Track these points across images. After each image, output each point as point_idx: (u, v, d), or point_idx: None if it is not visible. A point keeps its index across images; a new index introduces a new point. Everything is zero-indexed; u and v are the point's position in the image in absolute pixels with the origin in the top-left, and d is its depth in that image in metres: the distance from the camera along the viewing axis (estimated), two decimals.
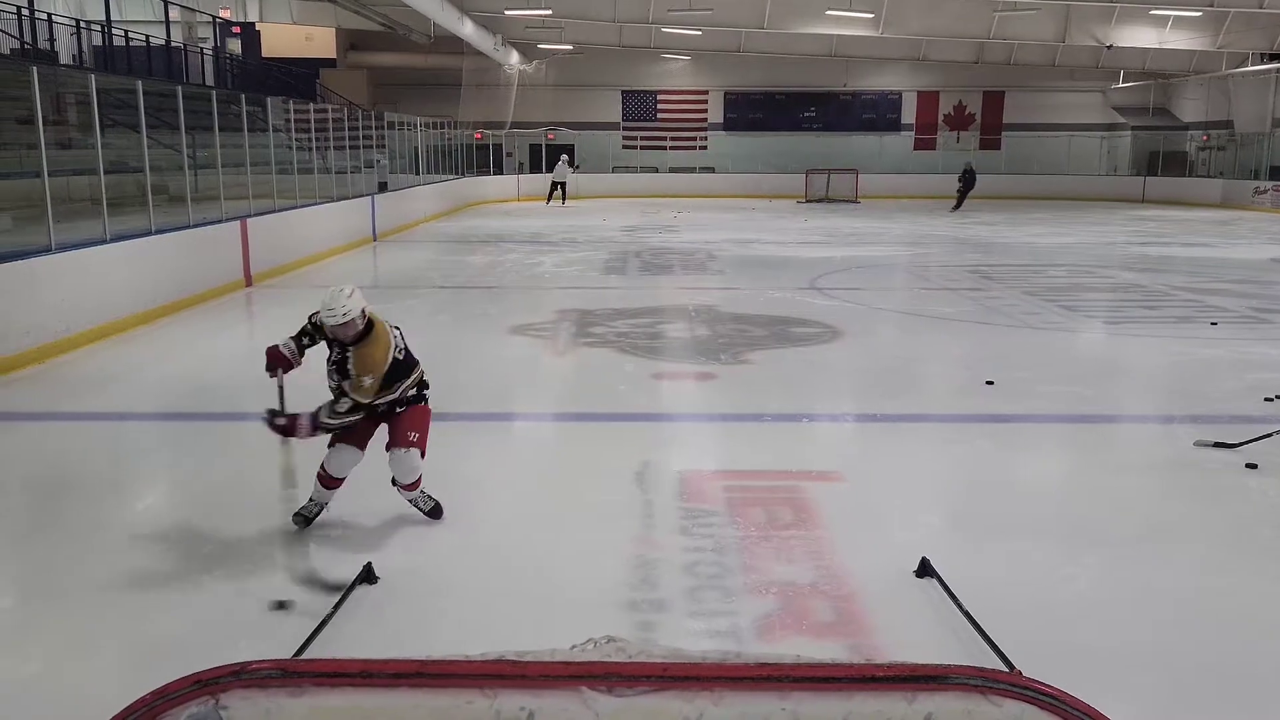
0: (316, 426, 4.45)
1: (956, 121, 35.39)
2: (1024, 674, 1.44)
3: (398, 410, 4.67)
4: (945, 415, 7.15)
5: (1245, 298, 12.30)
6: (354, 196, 17.90)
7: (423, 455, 4.68)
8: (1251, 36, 25.44)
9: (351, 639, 3.65)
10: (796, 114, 35.39)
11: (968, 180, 27.73)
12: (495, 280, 14.22)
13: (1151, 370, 8.69)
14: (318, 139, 17.42)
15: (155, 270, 10.22)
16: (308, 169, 16.57)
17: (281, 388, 4.59)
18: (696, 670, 1.37)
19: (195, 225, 11.28)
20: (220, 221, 11.97)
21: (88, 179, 10.01)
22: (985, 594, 3.92)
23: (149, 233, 10.20)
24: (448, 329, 10.26)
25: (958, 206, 27.50)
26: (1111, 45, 27.17)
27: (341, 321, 4.36)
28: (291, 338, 4.66)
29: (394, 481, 4.72)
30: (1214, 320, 10.50)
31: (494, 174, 31.73)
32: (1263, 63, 26.24)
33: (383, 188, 20.37)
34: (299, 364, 4.66)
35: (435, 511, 4.84)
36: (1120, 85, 33.43)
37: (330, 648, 3.53)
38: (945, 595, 3.94)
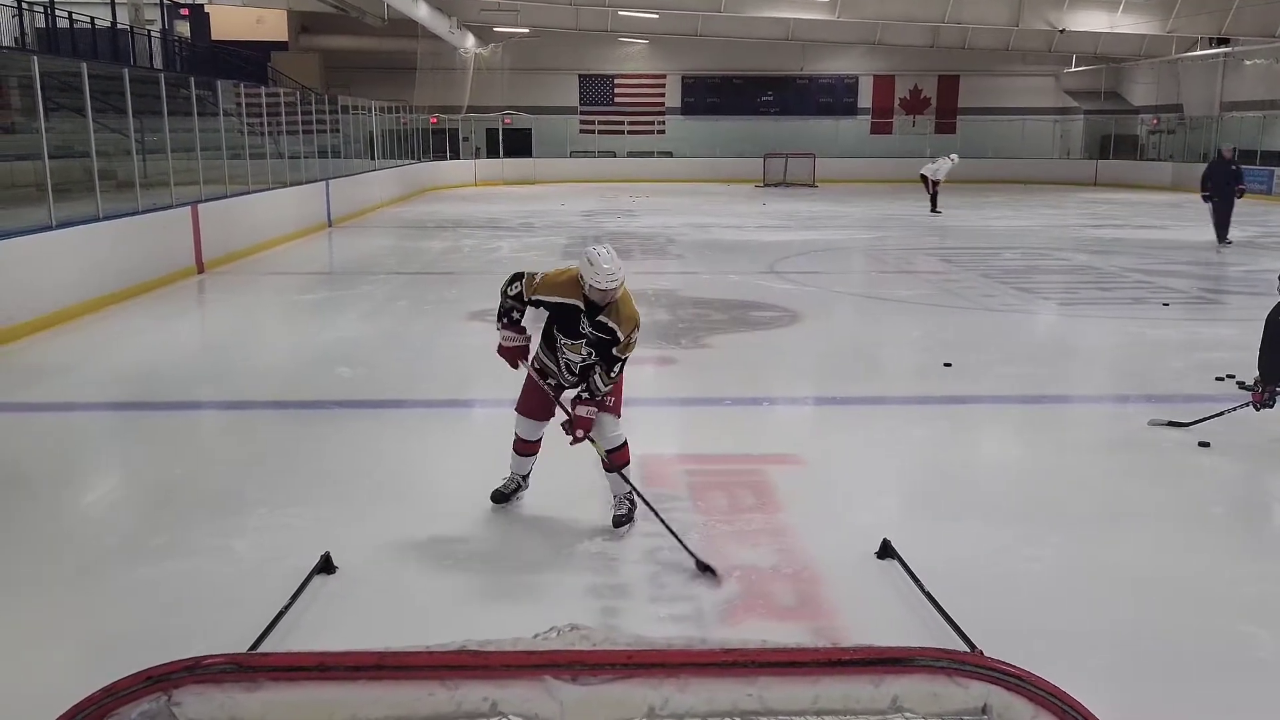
0: (600, 405, 4.35)
1: (912, 105, 35.60)
2: (986, 654, 1.44)
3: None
4: (904, 397, 7.19)
5: (1195, 279, 12.51)
6: (308, 182, 17.63)
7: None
8: (1200, 21, 25.81)
9: (309, 631, 3.59)
10: (754, 98, 35.38)
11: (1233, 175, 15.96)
12: (453, 266, 14.08)
13: (1105, 351, 8.81)
14: (270, 123, 17.12)
15: (103, 257, 9.99)
16: (260, 154, 16.29)
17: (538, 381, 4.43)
18: (662, 657, 1.36)
19: (145, 211, 11.05)
20: (170, 207, 11.73)
21: (32, 164, 9.76)
22: (946, 575, 3.94)
23: (97, 219, 9.98)
24: (406, 315, 10.15)
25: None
26: (1064, 29, 27.43)
27: (619, 283, 4.17)
28: (507, 324, 4.41)
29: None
30: (1166, 301, 10.67)
31: (450, 159, 31.43)
32: (1211, 47, 26.63)
33: None
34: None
35: (623, 520, 4.50)
36: (1072, 69, 33.81)
37: (287, 640, 3.47)
38: (907, 576, 3.97)
